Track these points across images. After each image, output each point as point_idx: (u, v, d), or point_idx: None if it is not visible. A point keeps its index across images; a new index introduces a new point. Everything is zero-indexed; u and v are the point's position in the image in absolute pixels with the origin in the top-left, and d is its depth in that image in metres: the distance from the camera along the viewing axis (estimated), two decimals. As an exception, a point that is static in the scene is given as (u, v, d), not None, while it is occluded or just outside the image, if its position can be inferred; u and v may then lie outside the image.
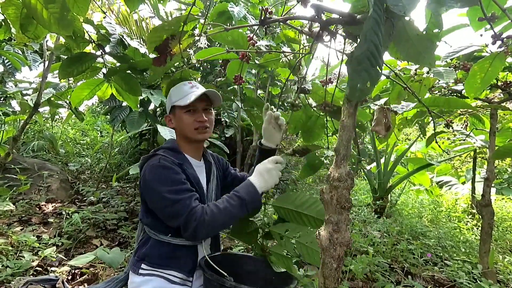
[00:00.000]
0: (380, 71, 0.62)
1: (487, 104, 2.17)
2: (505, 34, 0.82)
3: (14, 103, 4.66)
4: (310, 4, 0.82)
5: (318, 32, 0.88)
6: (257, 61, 1.41)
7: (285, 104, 3.73)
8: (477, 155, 3.43)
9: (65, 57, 1.56)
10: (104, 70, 1.60)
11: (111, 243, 2.85)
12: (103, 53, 1.55)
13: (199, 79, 3.50)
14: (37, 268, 2.22)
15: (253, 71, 3.46)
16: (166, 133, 2.63)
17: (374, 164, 4.64)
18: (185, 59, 1.25)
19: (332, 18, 0.83)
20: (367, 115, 1.40)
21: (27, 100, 3.84)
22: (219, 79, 3.30)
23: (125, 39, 1.84)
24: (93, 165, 5.07)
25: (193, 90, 1.17)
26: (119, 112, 3.18)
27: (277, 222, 1.15)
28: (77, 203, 3.73)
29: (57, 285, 1.35)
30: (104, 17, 2.22)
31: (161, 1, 2.91)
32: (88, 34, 1.49)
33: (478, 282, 2.17)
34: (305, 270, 2.14)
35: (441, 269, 2.71)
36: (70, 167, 4.69)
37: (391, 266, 2.63)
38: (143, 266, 1.11)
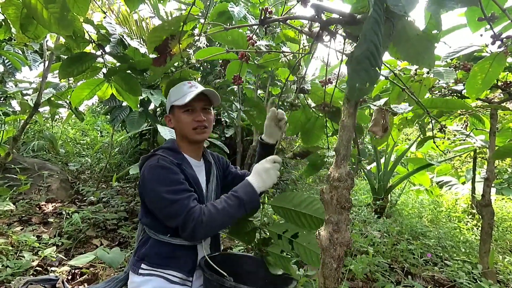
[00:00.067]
0: (379, 72, 0.62)
1: (487, 104, 2.17)
2: (505, 34, 0.81)
3: (14, 103, 4.67)
4: (310, 4, 0.82)
5: (318, 32, 0.88)
6: (256, 62, 1.41)
7: (285, 104, 3.73)
8: (477, 155, 3.43)
9: (65, 57, 1.56)
10: (104, 70, 1.60)
11: (111, 243, 2.85)
12: (103, 53, 1.55)
13: (199, 79, 3.50)
14: (37, 268, 2.22)
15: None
16: (166, 133, 2.63)
17: (374, 164, 4.64)
18: (185, 59, 1.25)
19: (332, 18, 0.83)
20: (366, 118, 1.39)
21: (27, 100, 3.84)
22: (218, 80, 3.29)
23: (125, 39, 1.84)
24: (93, 165, 5.07)
25: (191, 89, 1.16)
26: (119, 112, 3.18)
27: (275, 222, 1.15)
28: (77, 203, 3.73)
29: (57, 285, 1.35)
30: (104, 17, 2.22)
31: (161, 1, 2.92)
32: (88, 34, 1.49)
33: (478, 282, 2.17)
34: (305, 270, 2.14)
35: (441, 269, 2.71)
36: (70, 167, 4.69)
37: (391, 266, 2.63)
38: (143, 266, 1.11)
